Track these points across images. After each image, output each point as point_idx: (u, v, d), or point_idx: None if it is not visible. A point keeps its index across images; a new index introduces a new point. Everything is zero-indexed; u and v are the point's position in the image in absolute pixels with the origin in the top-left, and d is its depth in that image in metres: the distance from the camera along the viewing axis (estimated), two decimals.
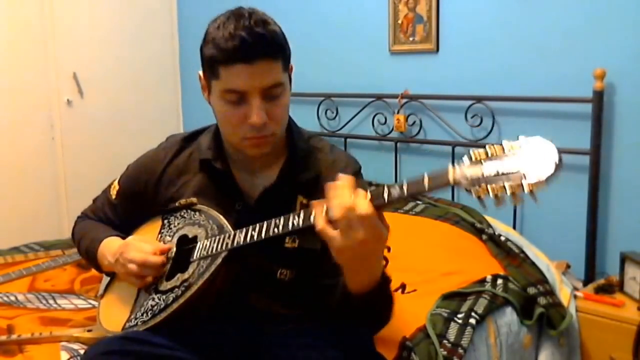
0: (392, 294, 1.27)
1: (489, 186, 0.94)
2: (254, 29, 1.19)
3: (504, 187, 0.93)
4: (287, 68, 1.29)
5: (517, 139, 0.96)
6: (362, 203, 1.02)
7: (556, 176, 0.91)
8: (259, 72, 1.21)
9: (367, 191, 1.05)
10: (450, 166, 0.99)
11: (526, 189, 0.91)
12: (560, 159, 0.91)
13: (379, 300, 1.19)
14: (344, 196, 1.03)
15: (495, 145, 0.97)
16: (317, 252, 1.31)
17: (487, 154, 0.97)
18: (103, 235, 1.48)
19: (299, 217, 1.14)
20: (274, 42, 1.23)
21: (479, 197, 0.96)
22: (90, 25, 3.49)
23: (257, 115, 1.23)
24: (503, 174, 0.94)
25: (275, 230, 1.17)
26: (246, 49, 1.19)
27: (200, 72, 1.33)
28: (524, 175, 0.92)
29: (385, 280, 1.18)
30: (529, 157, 0.93)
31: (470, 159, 0.98)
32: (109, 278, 1.55)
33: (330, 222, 1.04)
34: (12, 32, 3.17)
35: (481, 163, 0.97)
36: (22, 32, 3.21)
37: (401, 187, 1.03)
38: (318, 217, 1.07)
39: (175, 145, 1.47)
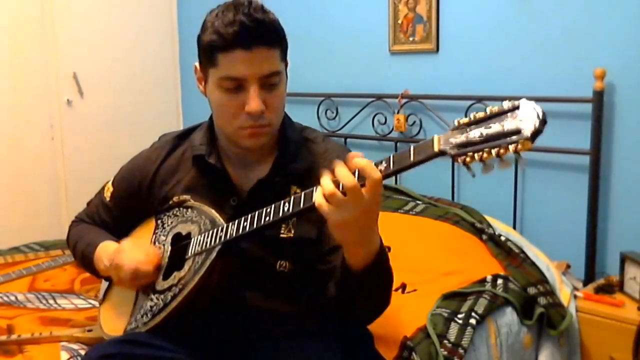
0: (391, 268, 1.23)
1: (475, 152, 0.91)
2: (254, 15, 1.20)
3: (490, 150, 0.90)
4: (284, 58, 1.29)
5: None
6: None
7: (541, 133, 0.88)
8: (258, 60, 1.21)
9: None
10: (435, 136, 0.96)
11: (512, 149, 0.88)
12: (543, 117, 0.88)
13: (380, 273, 1.16)
14: (345, 171, 1.01)
15: (478, 112, 0.95)
16: (312, 241, 1.30)
17: (471, 120, 0.94)
18: (99, 239, 1.47)
19: (289, 203, 1.11)
20: (273, 29, 1.24)
21: (465, 164, 0.93)
22: (90, 25, 3.49)
23: (255, 102, 1.22)
24: (488, 137, 0.91)
25: (267, 218, 1.15)
26: (246, 34, 1.19)
27: (196, 64, 1.32)
28: (508, 136, 0.89)
29: (383, 251, 1.15)
30: (513, 118, 0.90)
31: (455, 127, 0.95)
32: (107, 283, 1.54)
33: (326, 198, 1.01)
34: (12, 32, 3.17)
35: (466, 130, 0.94)
36: (22, 32, 3.21)
37: (388, 163, 1.00)
38: (318, 193, 1.03)
39: (168, 144, 1.47)
